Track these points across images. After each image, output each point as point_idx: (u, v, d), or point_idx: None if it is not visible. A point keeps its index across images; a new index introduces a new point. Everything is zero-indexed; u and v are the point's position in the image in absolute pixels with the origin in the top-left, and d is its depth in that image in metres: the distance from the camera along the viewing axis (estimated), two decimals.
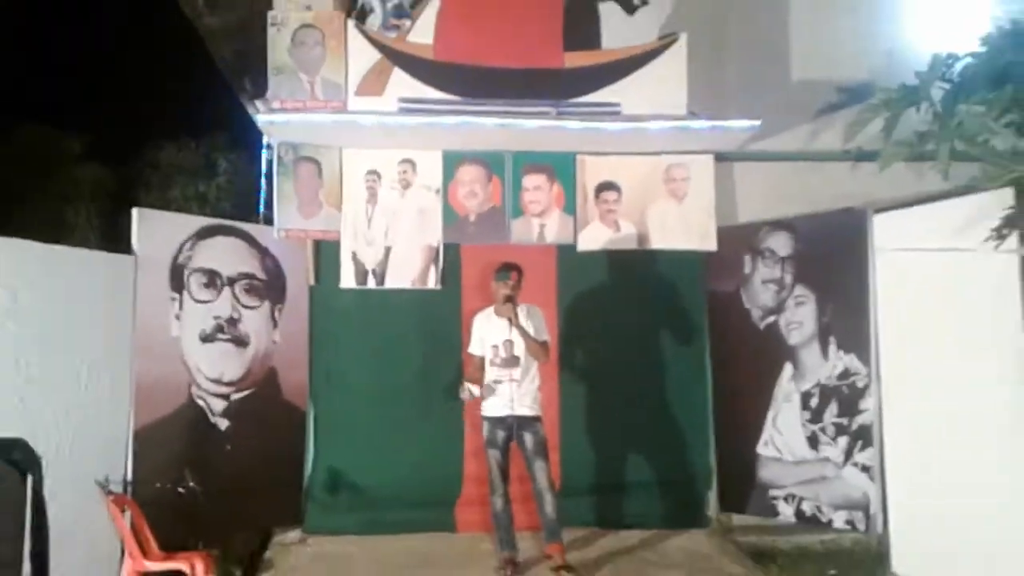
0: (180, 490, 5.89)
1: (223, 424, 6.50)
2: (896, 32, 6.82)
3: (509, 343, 5.74)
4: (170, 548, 5.42)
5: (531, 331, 5.71)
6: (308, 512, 6.59)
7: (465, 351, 6.00)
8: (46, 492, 5.03)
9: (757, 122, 6.48)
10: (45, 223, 8.65)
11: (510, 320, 5.69)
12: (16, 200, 8.84)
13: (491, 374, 5.79)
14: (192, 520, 5.81)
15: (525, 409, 5.72)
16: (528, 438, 5.70)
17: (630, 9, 6.84)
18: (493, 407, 5.78)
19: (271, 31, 6.64)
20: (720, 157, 6.93)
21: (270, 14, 6.70)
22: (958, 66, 4.93)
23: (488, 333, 5.84)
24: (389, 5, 6.78)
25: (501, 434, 5.73)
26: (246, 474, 6.36)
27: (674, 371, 6.87)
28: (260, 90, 7.25)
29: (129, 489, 5.78)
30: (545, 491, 5.64)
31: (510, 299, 5.73)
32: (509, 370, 5.73)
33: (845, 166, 6.63)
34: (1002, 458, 5.15)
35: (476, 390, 5.83)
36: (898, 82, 5.10)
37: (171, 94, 11.10)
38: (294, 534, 6.48)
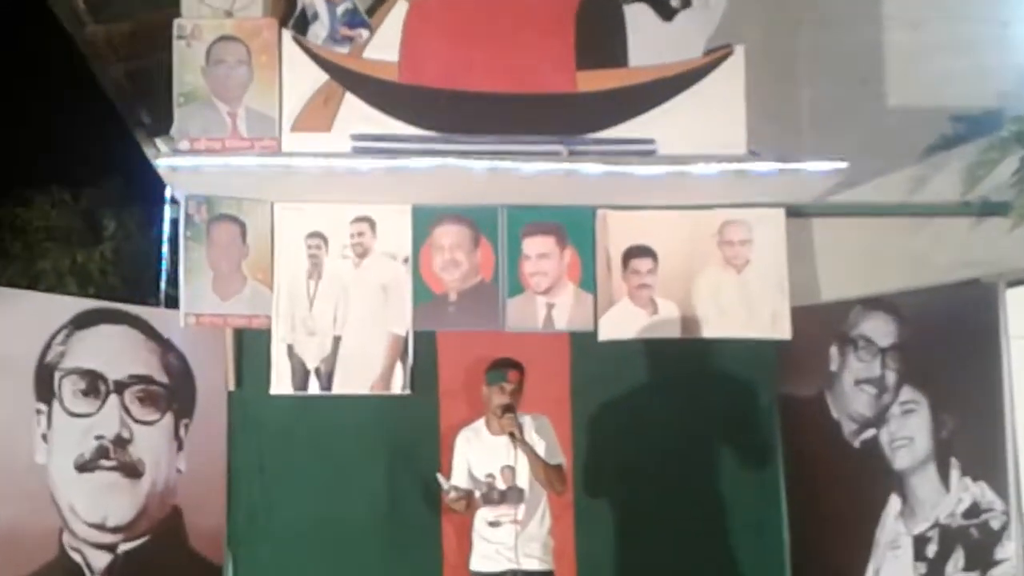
0: None
1: None
2: None
3: (509, 470, 5.65)
4: None
5: (541, 451, 5.64)
6: None
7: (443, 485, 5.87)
8: None
9: (843, 164, 6.42)
10: None
11: (512, 436, 5.58)
12: None
13: (485, 514, 5.70)
14: None
15: (533, 561, 5.63)
16: None
17: (667, 13, 6.78)
18: (487, 559, 5.69)
19: (178, 45, 6.56)
20: (793, 212, 6.92)
21: (177, 23, 6.59)
22: None
23: (478, 458, 5.78)
24: (339, 10, 6.71)
25: None
26: None
27: (735, 507, 6.74)
28: (162, 124, 7.29)
29: None
30: None
31: (509, 409, 5.64)
32: (511, 507, 5.63)
33: (966, 223, 6.71)
34: None
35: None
36: None
37: (40, 132, 11.12)
38: None
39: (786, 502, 6.82)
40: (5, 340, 6.13)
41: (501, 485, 5.66)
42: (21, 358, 6.20)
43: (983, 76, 6.89)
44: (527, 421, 5.75)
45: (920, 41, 7.12)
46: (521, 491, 5.64)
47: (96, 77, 9.02)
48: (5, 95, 11.83)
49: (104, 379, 6.45)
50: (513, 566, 5.59)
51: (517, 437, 5.58)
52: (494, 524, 5.66)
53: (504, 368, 5.77)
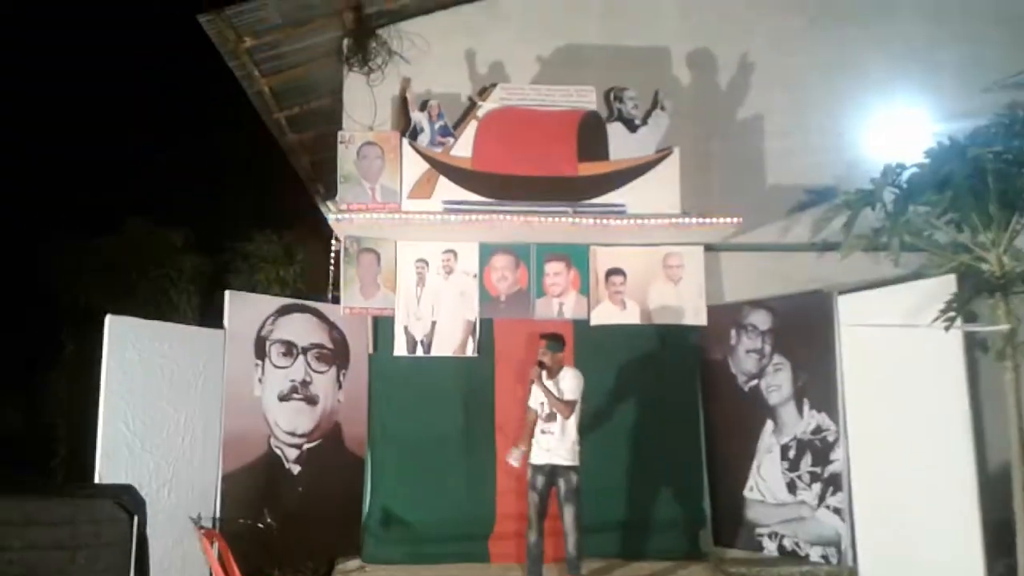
0: (259, 525, 5.89)
1: (295, 469, 6.48)
2: (855, 146, 6.89)
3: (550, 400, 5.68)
4: (251, 575, 5.31)
5: (555, 391, 5.64)
6: (365, 544, 6.49)
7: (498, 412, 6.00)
8: (148, 529, 4.98)
9: (738, 219, 6.51)
10: (152, 304, 8.75)
11: (532, 382, 5.68)
12: (128, 284, 8.91)
13: (539, 427, 5.72)
14: (269, 551, 5.82)
15: (561, 459, 5.62)
16: (562, 484, 5.62)
17: (633, 128, 6.86)
18: (535, 456, 5.70)
19: (341, 147, 6.73)
20: (709, 248, 6.91)
21: (340, 133, 6.79)
22: (906, 174, 5.02)
23: (536, 392, 5.78)
24: (436, 126, 6.82)
25: (540, 479, 5.67)
26: (314, 511, 6.34)
27: (673, 426, 6.71)
28: (331, 193, 7.36)
29: (217, 524, 5.77)
30: (571, 531, 5.56)
31: (540, 364, 5.67)
32: (549, 424, 5.67)
33: (813, 255, 6.62)
34: (951, 502, 5.14)
35: (517, 456, 5.72)
36: (856, 187, 5.15)
37: (259, 195, 11.30)
38: (354, 563, 6.39)
39: (704, 424, 6.80)
40: (238, 323, 6.31)
41: (547, 409, 5.64)
42: (247, 333, 6.36)
43: (825, 166, 6.86)
44: (565, 372, 5.71)
45: (786, 145, 7.10)
46: (555, 415, 5.61)
47: (292, 165, 9.28)
48: (237, 176, 12.10)
49: (295, 346, 6.58)
50: (548, 461, 5.62)
51: (536, 382, 5.65)
52: (542, 433, 5.66)
53: (545, 339, 5.73)
